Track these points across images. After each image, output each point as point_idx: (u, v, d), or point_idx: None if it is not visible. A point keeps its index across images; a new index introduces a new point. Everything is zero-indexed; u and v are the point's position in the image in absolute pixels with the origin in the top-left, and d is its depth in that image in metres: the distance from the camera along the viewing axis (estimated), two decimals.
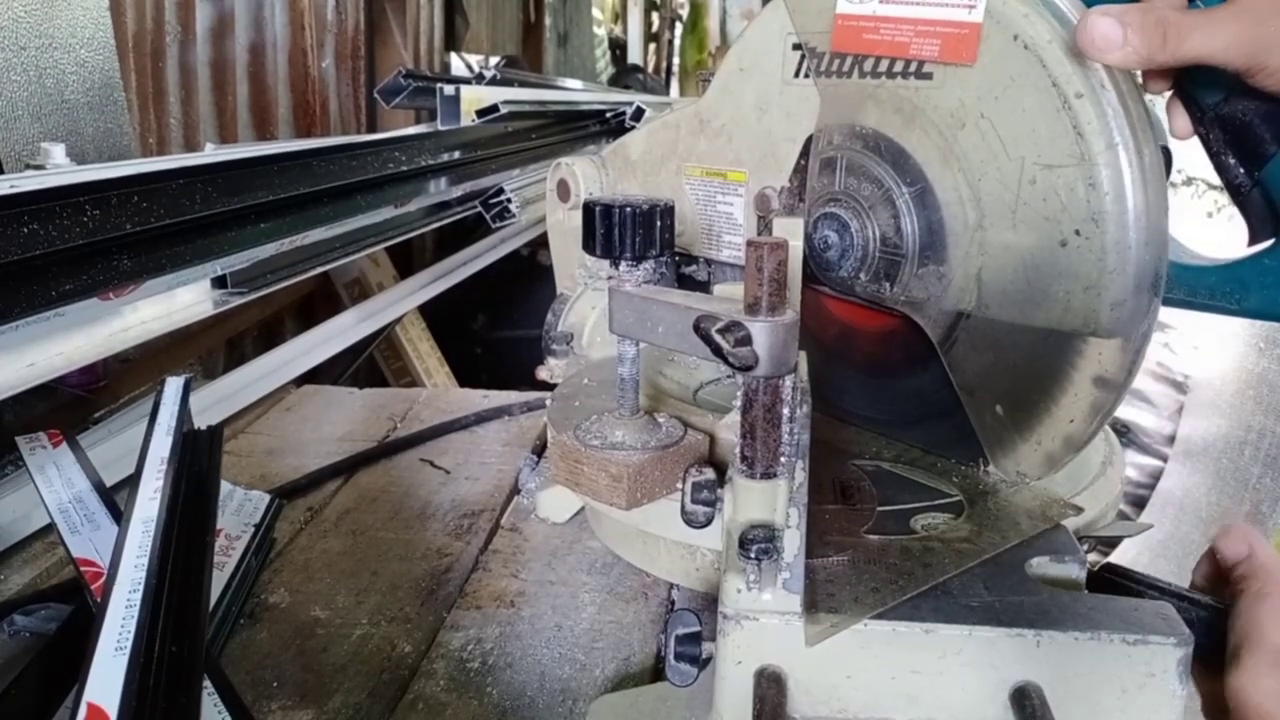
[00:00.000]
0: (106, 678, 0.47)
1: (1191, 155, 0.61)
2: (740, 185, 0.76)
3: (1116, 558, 0.88)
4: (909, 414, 0.70)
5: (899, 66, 0.61)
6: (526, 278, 2.05)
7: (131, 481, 0.63)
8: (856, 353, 0.72)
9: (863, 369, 0.72)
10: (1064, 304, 0.55)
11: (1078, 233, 0.53)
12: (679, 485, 0.53)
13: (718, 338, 0.46)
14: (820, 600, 0.49)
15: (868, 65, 0.63)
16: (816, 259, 0.66)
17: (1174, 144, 0.60)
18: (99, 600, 0.53)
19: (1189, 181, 1.89)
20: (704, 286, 0.84)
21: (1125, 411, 1.93)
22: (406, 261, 2.06)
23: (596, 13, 4.94)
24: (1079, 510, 0.60)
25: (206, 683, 0.53)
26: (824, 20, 0.65)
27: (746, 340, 0.45)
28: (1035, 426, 0.59)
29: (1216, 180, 0.59)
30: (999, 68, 0.56)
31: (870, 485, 0.64)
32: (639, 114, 1.78)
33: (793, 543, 0.48)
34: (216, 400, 1.04)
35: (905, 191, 0.61)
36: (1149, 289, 0.54)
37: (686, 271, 0.85)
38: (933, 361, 0.66)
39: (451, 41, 2.65)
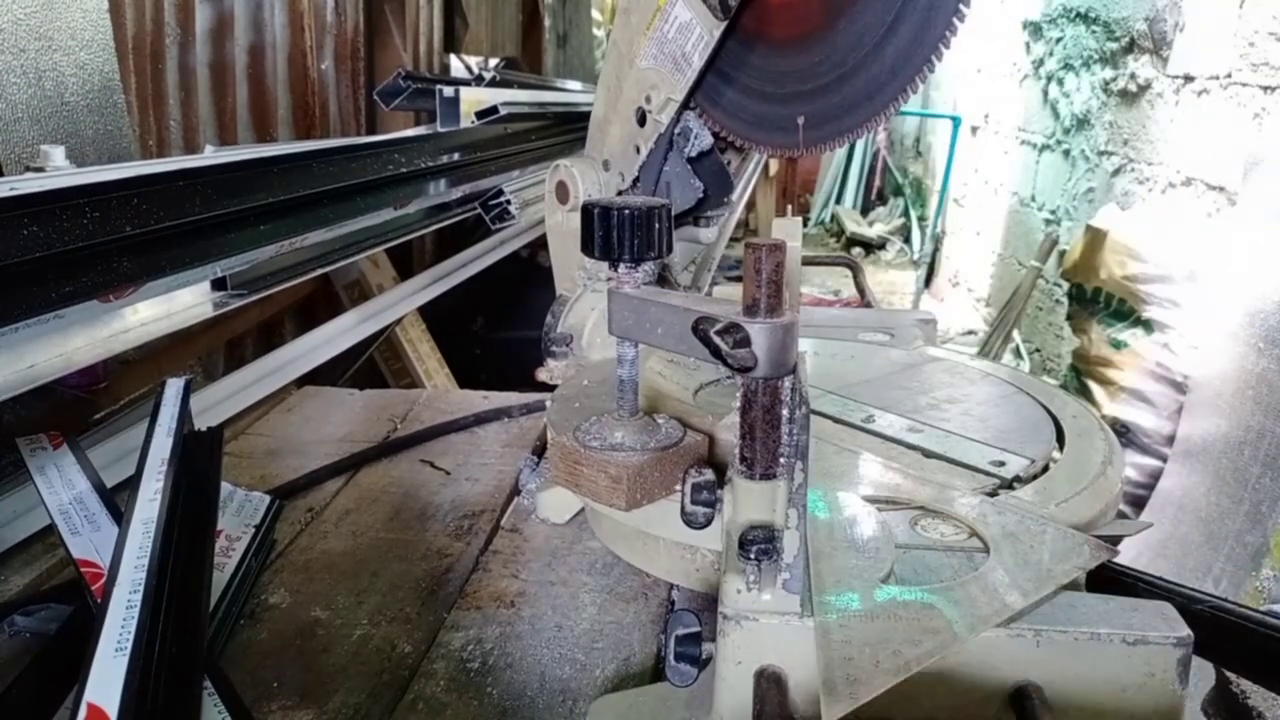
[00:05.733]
0: (106, 678, 0.47)
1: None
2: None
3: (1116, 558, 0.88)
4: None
5: None
6: (526, 279, 2.05)
7: (132, 483, 0.63)
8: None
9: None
10: None
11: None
12: (678, 486, 0.53)
13: (716, 339, 0.46)
14: (837, 665, 0.44)
15: None
16: None
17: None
18: (99, 601, 0.54)
19: (1188, 182, 1.89)
20: None
21: (1125, 411, 1.93)
22: (406, 263, 2.07)
23: (596, 14, 4.94)
24: (1115, 552, 0.55)
25: (206, 683, 0.53)
26: None
27: (745, 342, 0.45)
28: None
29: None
30: None
31: None
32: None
33: (792, 543, 0.48)
34: (217, 401, 1.04)
35: None
36: None
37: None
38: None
39: (451, 43, 2.65)
